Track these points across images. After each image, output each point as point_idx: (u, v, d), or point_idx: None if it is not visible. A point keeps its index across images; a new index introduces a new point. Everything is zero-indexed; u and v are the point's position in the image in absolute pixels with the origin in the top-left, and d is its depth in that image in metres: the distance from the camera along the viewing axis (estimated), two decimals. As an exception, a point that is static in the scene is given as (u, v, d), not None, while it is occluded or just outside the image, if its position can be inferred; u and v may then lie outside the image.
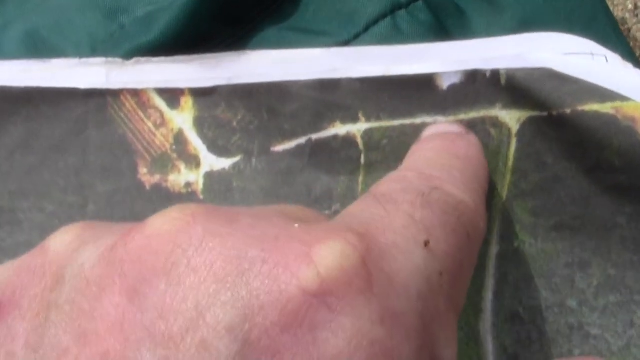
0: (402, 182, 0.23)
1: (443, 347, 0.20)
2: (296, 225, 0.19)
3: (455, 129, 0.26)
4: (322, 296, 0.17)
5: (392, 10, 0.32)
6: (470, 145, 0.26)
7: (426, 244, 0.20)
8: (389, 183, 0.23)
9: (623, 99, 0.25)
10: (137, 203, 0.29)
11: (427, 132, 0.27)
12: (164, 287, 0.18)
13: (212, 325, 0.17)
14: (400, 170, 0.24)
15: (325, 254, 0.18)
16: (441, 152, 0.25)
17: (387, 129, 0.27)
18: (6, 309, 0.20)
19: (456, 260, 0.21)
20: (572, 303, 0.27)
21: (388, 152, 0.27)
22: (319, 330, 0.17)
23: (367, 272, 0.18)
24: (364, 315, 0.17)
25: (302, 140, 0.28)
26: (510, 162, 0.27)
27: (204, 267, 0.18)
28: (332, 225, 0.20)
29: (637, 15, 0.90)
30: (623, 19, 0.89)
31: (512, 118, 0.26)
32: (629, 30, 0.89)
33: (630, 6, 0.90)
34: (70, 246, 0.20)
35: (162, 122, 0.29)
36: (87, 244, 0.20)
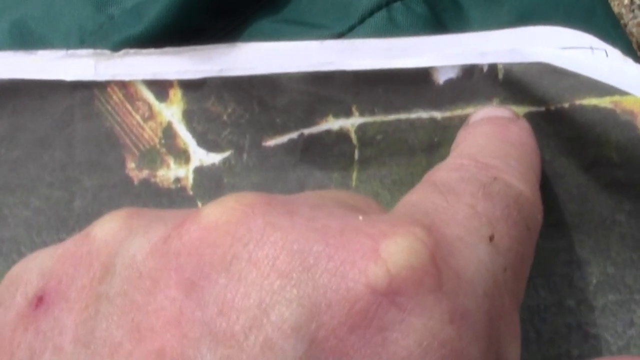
0: (460, 171, 0.22)
1: (508, 346, 0.19)
2: (360, 217, 0.18)
3: (506, 113, 0.25)
4: (392, 295, 0.16)
5: (387, 2, 0.31)
6: (522, 130, 0.25)
7: (491, 238, 0.19)
8: (446, 171, 0.22)
9: (622, 93, 0.25)
10: (125, 199, 0.28)
11: (475, 116, 0.26)
12: (224, 282, 0.17)
13: (277, 323, 0.16)
14: (455, 158, 0.23)
15: (394, 251, 0.17)
16: (494, 138, 0.24)
17: (382, 123, 0.27)
18: (52, 299, 0.19)
19: (518, 255, 0.20)
20: (571, 302, 0.26)
21: (383, 148, 0.27)
22: (389, 330, 0.16)
23: (437, 269, 0.17)
24: (435, 315, 0.17)
25: (294, 135, 0.27)
26: None
27: (266, 262, 0.17)
28: (397, 217, 0.19)
29: (633, 11, 0.90)
30: (619, 13, 0.89)
31: None
32: (625, 25, 0.89)
33: (626, 1, 0.90)
34: (119, 235, 0.19)
35: (151, 115, 0.28)
36: (136, 233, 0.19)
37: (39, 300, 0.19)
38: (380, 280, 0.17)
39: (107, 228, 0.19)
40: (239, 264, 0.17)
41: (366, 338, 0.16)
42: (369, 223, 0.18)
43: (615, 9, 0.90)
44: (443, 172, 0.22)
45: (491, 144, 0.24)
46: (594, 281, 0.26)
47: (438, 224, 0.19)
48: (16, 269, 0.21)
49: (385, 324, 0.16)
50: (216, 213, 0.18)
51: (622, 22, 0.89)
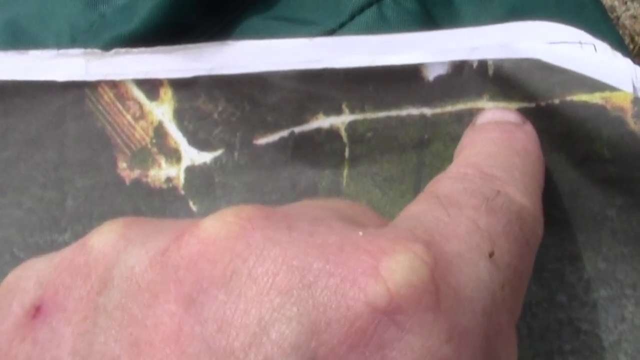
0: (464, 182, 0.22)
1: None
2: (360, 233, 0.18)
3: (513, 117, 0.25)
4: (391, 313, 0.17)
5: (377, -1, 0.31)
6: (528, 137, 0.25)
7: (490, 255, 0.19)
8: (450, 182, 0.22)
9: (612, 89, 0.25)
10: (117, 198, 0.28)
11: (482, 119, 0.26)
12: (223, 298, 0.17)
13: (276, 341, 0.16)
14: (459, 166, 0.23)
15: (394, 268, 0.17)
16: (500, 146, 0.24)
17: (372, 121, 0.27)
18: (49, 309, 0.19)
19: (517, 272, 0.20)
20: (562, 298, 0.26)
21: (373, 145, 0.27)
22: (387, 349, 0.16)
23: (436, 287, 0.17)
24: (433, 334, 0.17)
25: (284, 133, 0.27)
26: None
27: (266, 278, 0.17)
28: (397, 233, 0.19)
29: (625, 3, 0.90)
30: (612, 6, 0.89)
31: None
32: (618, 18, 0.89)
33: (619, -7, 0.90)
34: (117, 246, 0.19)
35: (142, 115, 0.28)
36: (134, 245, 0.19)
37: (37, 310, 0.19)
38: (379, 298, 0.17)
39: (104, 238, 0.19)
40: (238, 280, 0.17)
41: (365, 356, 0.16)
42: (369, 239, 0.18)
43: (609, 2, 0.90)
44: (447, 182, 0.22)
45: (497, 152, 0.24)
46: (586, 276, 0.26)
47: (438, 240, 0.19)
48: (12, 277, 0.20)
49: (384, 342, 0.16)
50: (215, 227, 0.18)
51: (614, 14, 0.89)
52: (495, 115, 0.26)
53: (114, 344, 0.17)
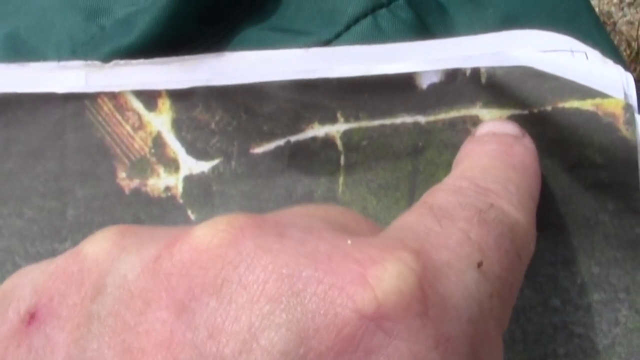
0: (458, 195, 0.22)
1: None
2: (349, 241, 0.19)
3: (512, 129, 0.26)
4: (379, 320, 0.17)
5: (373, 9, 0.32)
6: (526, 151, 0.25)
7: (479, 265, 0.19)
8: (444, 194, 0.22)
9: (603, 95, 0.25)
10: (117, 208, 0.29)
11: (482, 130, 0.26)
12: (214, 305, 0.17)
13: (266, 348, 0.16)
14: (455, 179, 0.23)
15: (382, 276, 0.17)
16: (497, 159, 0.24)
17: (367, 129, 0.27)
18: (44, 316, 0.19)
19: (507, 283, 0.20)
20: (556, 302, 0.27)
21: (368, 153, 0.27)
22: (374, 355, 0.17)
23: (423, 294, 0.18)
24: (420, 340, 0.17)
25: (281, 142, 0.28)
26: None
27: (256, 286, 0.17)
28: (386, 242, 0.19)
29: (622, 9, 0.90)
30: (609, 12, 0.89)
31: (493, 117, 0.26)
32: (615, 23, 0.89)
33: (615, 0, 0.90)
34: (111, 254, 0.19)
35: (140, 125, 0.29)
36: (128, 252, 0.19)
37: (31, 317, 0.19)
38: (367, 305, 0.17)
39: (98, 246, 0.19)
40: (229, 287, 0.17)
41: None
42: (358, 248, 0.18)
43: (605, 7, 0.90)
44: (441, 194, 0.22)
45: (493, 165, 0.24)
46: (579, 281, 0.26)
47: (428, 249, 0.19)
48: (8, 284, 0.21)
49: (372, 348, 0.17)
50: (207, 235, 0.18)
51: (611, 20, 0.89)
52: (494, 127, 0.26)
53: (107, 350, 0.17)
